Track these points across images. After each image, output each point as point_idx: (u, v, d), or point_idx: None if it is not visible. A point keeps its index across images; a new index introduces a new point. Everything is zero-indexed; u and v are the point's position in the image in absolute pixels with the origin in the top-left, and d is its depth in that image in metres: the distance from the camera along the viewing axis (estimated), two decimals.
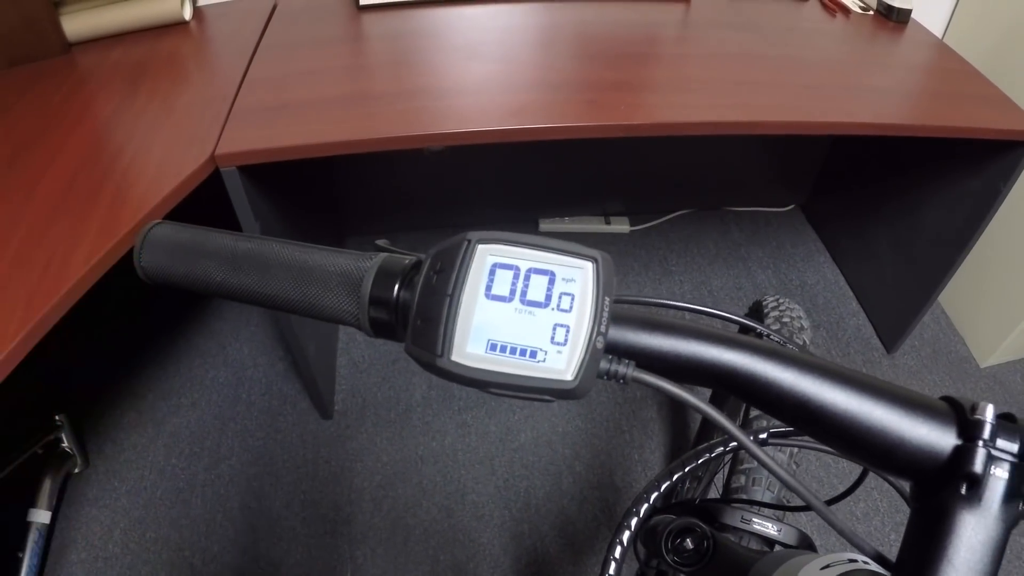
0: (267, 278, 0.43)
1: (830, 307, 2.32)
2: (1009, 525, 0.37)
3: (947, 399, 0.40)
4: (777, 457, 1.09)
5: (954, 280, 1.87)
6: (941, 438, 0.38)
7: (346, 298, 0.42)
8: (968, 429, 0.37)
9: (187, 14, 1.69)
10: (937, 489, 0.38)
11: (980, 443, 0.37)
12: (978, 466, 0.36)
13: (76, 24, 1.58)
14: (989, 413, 0.37)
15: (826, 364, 0.40)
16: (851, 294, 2.36)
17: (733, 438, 0.39)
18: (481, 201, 2.49)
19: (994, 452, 0.37)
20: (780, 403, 0.40)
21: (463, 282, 0.37)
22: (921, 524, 0.39)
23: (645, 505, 0.68)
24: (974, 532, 0.37)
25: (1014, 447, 0.37)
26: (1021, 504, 0.37)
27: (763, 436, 0.68)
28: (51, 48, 1.55)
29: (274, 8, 1.77)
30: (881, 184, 2.19)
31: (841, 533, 0.42)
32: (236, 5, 1.79)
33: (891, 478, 0.52)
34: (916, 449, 0.38)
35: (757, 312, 1.38)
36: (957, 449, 0.37)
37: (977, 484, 0.37)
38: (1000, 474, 0.37)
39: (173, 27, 1.68)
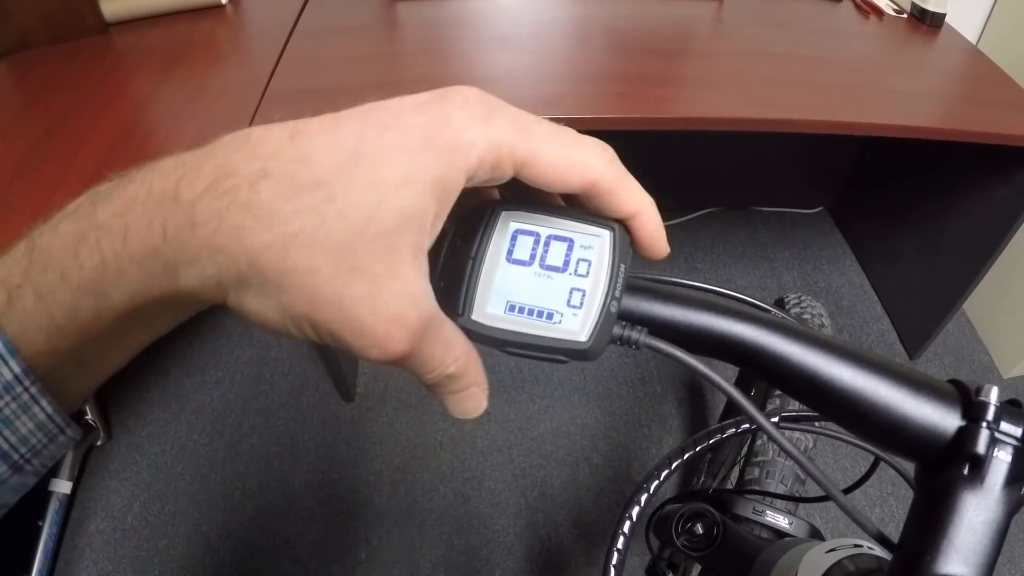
0: None
1: (854, 310, 2.31)
2: (1011, 508, 0.37)
3: (954, 382, 0.40)
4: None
5: (980, 288, 1.86)
6: (945, 418, 0.38)
7: None
8: (972, 410, 0.37)
9: None
10: (940, 469, 0.38)
11: (984, 424, 0.37)
12: (981, 447, 0.36)
13: (114, 5, 1.59)
14: (994, 395, 0.37)
15: (834, 340, 0.40)
16: (876, 298, 2.35)
17: (741, 409, 0.40)
18: None
19: (997, 435, 0.37)
20: (787, 376, 0.40)
21: (486, 246, 0.38)
22: (923, 504, 0.39)
23: (656, 482, 0.69)
24: (975, 513, 0.37)
25: (1018, 431, 0.37)
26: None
27: (775, 419, 0.69)
28: (89, 27, 1.57)
29: None
30: (910, 189, 2.18)
31: (842, 508, 0.43)
32: None
33: (896, 460, 0.52)
34: (920, 428, 0.38)
35: (779, 308, 1.38)
36: (961, 430, 0.38)
37: (980, 465, 0.37)
38: (1003, 457, 0.37)
39: (209, 10, 1.69)
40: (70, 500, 1.75)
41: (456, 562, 1.70)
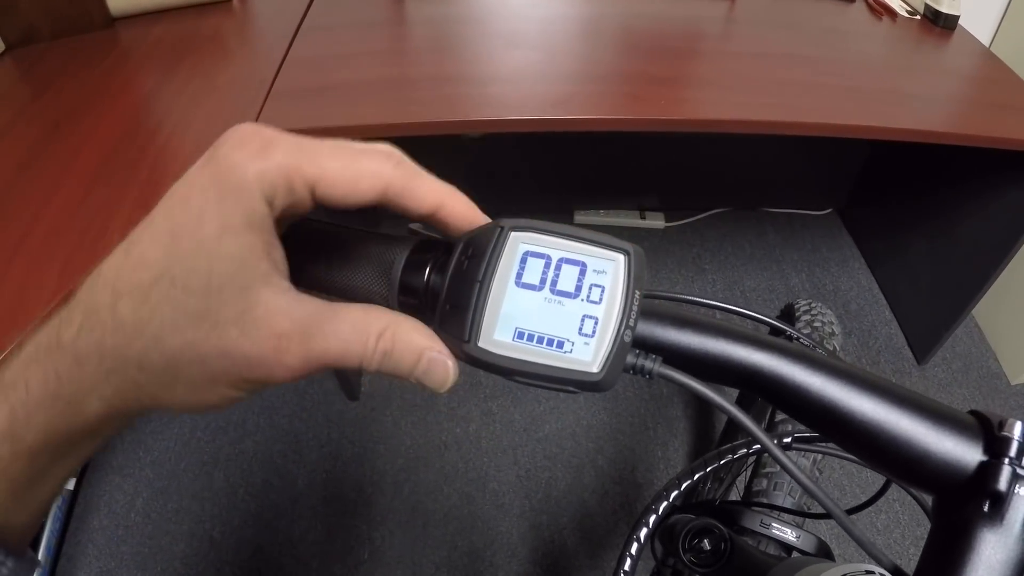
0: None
1: (862, 314, 2.29)
2: None
3: (975, 413, 0.39)
4: (800, 463, 1.08)
5: (990, 294, 1.84)
6: (967, 453, 0.37)
7: (376, 280, 0.41)
8: (995, 445, 0.36)
9: None
10: (959, 505, 0.37)
11: (1006, 460, 0.36)
12: (1003, 484, 0.35)
13: None
14: (1017, 430, 0.36)
15: (854, 370, 0.39)
16: (884, 302, 2.33)
17: (756, 440, 0.39)
18: (517, 189, 2.48)
19: (1020, 471, 0.36)
20: (806, 407, 0.39)
21: (494, 269, 0.36)
22: (941, 539, 0.38)
23: (664, 503, 0.68)
24: (994, 551, 0.36)
25: None
26: None
27: (787, 440, 0.68)
28: (94, 22, 1.56)
29: None
30: (920, 192, 2.16)
31: (859, 543, 0.42)
32: None
33: (914, 490, 0.51)
34: (941, 463, 0.37)
35: (788, 315, 1.37)
36: (982, 465, 0.36)
37: (1000, 502, 0.36)
38: None
39: (216, 5, 1.68)
40: (73, 496, 1.75)
41: (459, 563, 1.69)
